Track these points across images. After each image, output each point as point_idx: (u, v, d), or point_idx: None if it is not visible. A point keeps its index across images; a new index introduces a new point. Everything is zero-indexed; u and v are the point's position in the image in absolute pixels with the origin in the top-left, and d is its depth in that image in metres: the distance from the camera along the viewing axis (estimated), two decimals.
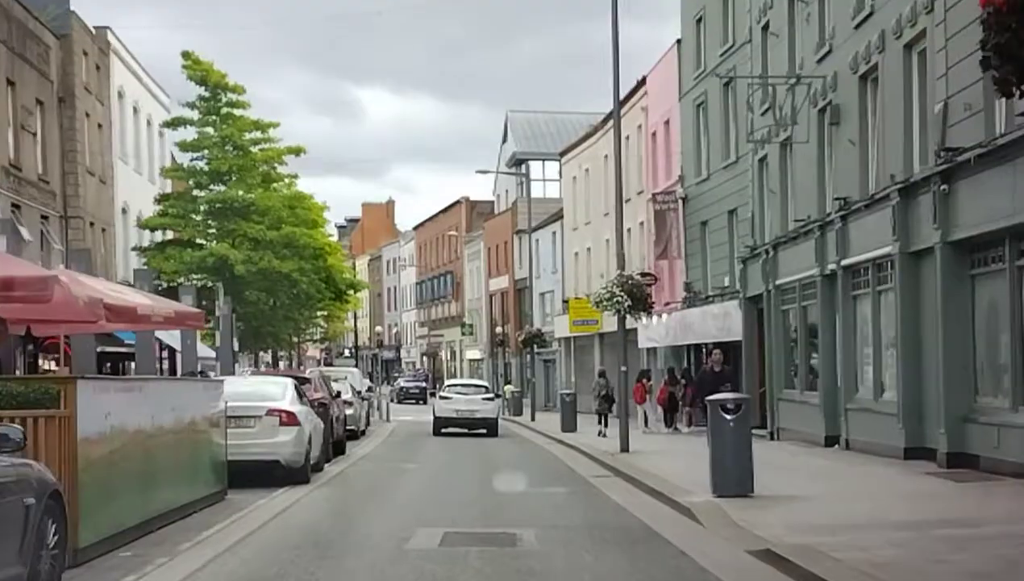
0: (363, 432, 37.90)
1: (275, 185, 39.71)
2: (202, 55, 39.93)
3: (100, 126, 43.72)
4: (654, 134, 45.50)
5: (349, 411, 34.36)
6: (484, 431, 37.11)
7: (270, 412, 19.34)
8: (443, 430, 37.29)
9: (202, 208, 39.39)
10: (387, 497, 18.45)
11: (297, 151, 39.79)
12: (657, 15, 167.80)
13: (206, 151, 39.97)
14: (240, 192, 38.52)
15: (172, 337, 42.12)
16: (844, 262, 24.30)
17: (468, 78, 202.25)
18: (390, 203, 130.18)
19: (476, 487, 19.96)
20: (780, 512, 14.64)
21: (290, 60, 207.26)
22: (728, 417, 15.98)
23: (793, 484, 17.72)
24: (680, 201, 41.04)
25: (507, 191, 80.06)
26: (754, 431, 33.61)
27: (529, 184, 74.39)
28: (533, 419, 48.11)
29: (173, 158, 44.30)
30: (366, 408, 40.97)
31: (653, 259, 44.21)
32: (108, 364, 36.32)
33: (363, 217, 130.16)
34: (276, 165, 40.07)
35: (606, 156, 53.27)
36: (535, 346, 50.33)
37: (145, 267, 37.98)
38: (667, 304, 41.78)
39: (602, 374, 40.18)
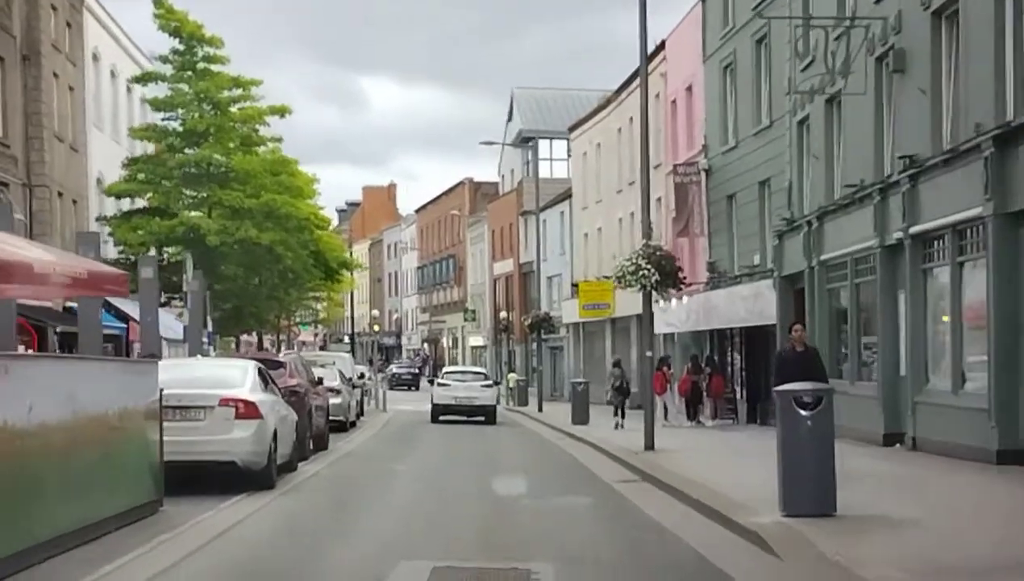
0: (353, 423, 34.20)
1: (256, 149, 35.73)
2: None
3: (71, 89, 39.88)
4: (674, 102, 41.66)
5: (336, 400, 30.74)
6: (482, 418, 36.32)
7: (224, 402, 15.58)
8: (441, 417, 36.28)
9: (174, 173, 35.38)
10: (366, 510, 14.69)
11: (282, 111, 35.71)
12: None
13: (180, 110, 35.96)
14: (217, 155, 34.59)
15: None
16: (913, 229, 20.49)
17: (473, 68, 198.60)
18: (391, 186, 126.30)
19: (476, 496, 16.20)
20: (882, 541, 10.88)
21: (294, 49, 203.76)
22: (805, 414, 12.19)
23: (880, 500, 13.91)
24: (703, 173, 37.22)
25: (512, 171, 76.22)
26: None
27: (536, 162, 70.79)
28: (540, 410, 44.39)
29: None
30: (358, 397, 37.21)
31: (672, 238, 40.41)
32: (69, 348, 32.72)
33: (364, 201, 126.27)
34: (257, 127, 36.02)
35: (619, 129, 49.47)
36: (542, 331, 46.57)
37: (110, 237, 34.23)
38: (689, 285, 37.94)
39: (617, 363, 36.54)
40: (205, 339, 30.72)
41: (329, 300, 59.02)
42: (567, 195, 59.51)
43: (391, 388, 68.55)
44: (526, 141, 72.43)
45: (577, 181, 57.58)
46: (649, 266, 22.59)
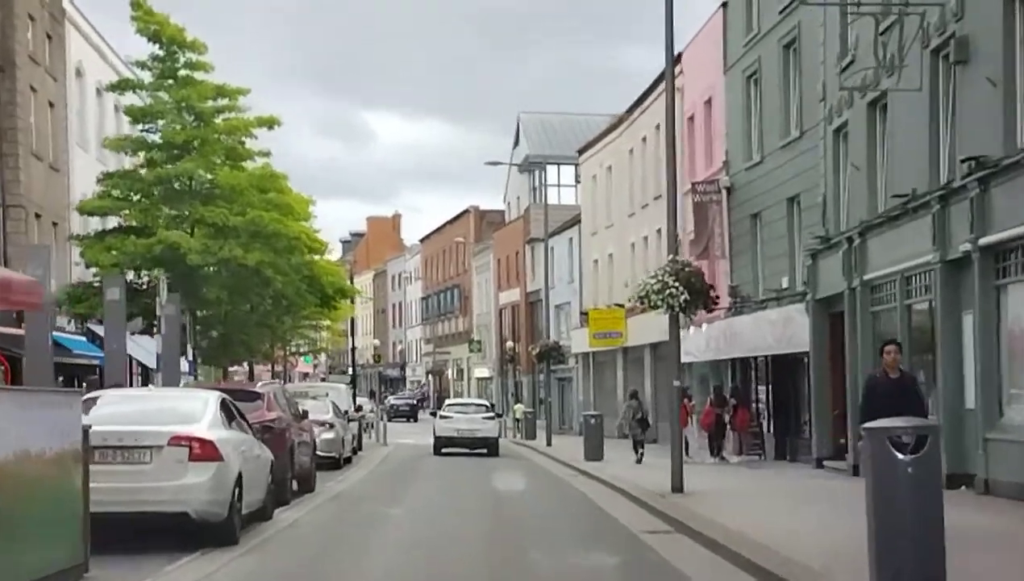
0: (348, 460, 31.46)
1: (243, 164, 32.79)
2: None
3: (51, 105, 37.33)
4: (691, 118, 38.98)
5: (328, 435, 28.08)
6: (485, 450, 36.03)
7: (175, 440, 12.79)
8: (444, 450, 35.96)
9: (153, 189, 32.47)
10: (343, 575, 11.90)
11: (271, 122, 32.71)
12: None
13: (159, 121, 33.09)
14: (200, 170, 31.64)
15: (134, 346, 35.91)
16: (984, 241, 17.73)
17: (476, 100, 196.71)
18: (396, 217, 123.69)
19: (478, 553, 13.42)
20: None
21: (299, 83, 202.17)
22: (904, 458, 9.36)
23: (995, 567, 11.08)
24: (724, 191, 34.51)
25: (518, 198, 73.63)
26: (829, 464, 27.40)
27: (544, 188, 68.23)
28: (549, 444, 41.54)
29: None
30: (356, 430, 34.41)
31: (691, 261, 37.74)
32: (61, 378, 29.95)
33: (368, 231, 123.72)
34: (244, 139, 33.07)
35: (631, 150, 46.83)
36: (551, 362, 43.77)
37: (81, 259, 31.35)
38: (715, 307, 35.21)
39: (634, 395, 33.96)
40: (185, 369, 27.99)
41: (329, 329, 55.90)
42: (575, 221, 56.84)
43: (390, 419, 66.12)
44: (533, 167, 69.88)
45: (586, 206, 54.93)
46: (677, 283, 19.84)
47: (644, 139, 44.70)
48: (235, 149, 31.55)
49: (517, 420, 53.73)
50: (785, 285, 29.90)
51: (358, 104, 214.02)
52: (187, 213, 31.10)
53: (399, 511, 18.30)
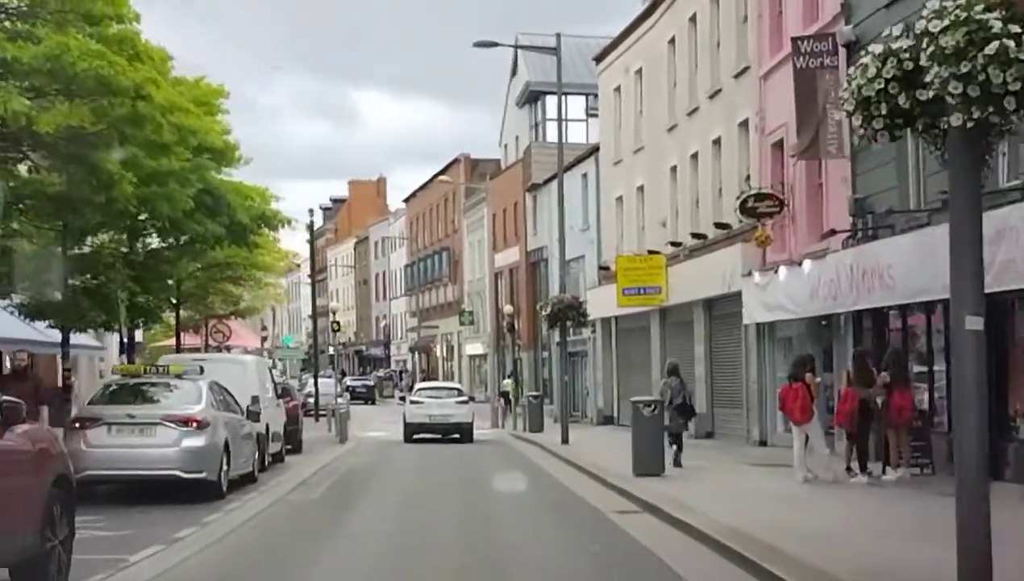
0: (255, 477, 18.88)
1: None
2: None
3: None
4: None
5: (193, 442, 15.53)
6: (457, 436, 33.35)
7: None
8: (415, 436, 33.26)
9: None
10: None
11: None
12: None
13: None
14: None
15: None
16: None
17: (467, 79, 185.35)
18: (381, 181, 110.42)
19: None
20: None
21: (287, 63, 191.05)
22: None
23: None
24: (843, 51, 21.83)
25: (517, 138, 60.82)
26: None
27: (545, 124, 55.69)
28: (566, 441, 28.95)
29: None
30: (264, 431, 21.64)
31: (790, 162, 25.29)
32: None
33: (350, 197, 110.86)
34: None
35: (672, 39, 34.10)
36: (567, 326, 31.02)
37: None
38: (826, 235, 22.59)
39: (673, 370, 22.54)
40: None
41: (271, 289, 42.07)
42: (592, 151, 44.06)
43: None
44: (535, 99, 57.08)
45: (606, 129, 42.11)
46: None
47: (693, 17, 31.99)
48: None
49: (508, 401, 41.31)
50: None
51: (346, 83, 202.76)
52: None
53: None
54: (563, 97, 55.97)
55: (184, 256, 26.63)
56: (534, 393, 38.94)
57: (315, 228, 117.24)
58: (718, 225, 29.28)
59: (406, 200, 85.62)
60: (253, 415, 18.92)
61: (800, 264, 23.05)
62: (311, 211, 47.91)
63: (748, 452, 25.07)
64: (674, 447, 21.11)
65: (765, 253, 25.77)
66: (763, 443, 26.49)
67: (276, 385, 24.37)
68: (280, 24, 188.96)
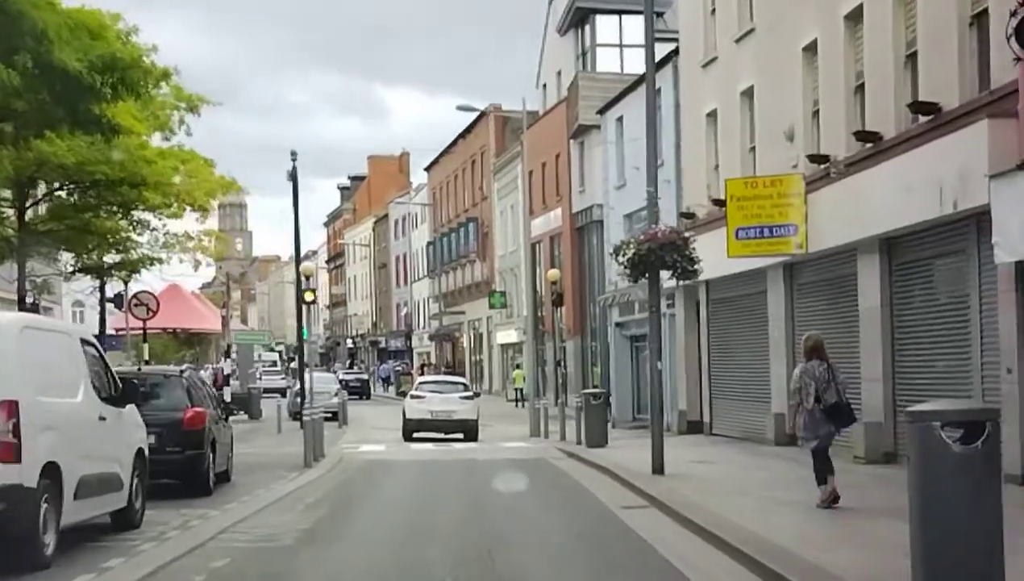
0: None
1: None
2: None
3: None
4: None
5: None
6: (461, 434, 30.32)
7: None
8: (415, 434, 30.41)
9: None
10: None
11: None
12: None
13: None
14: None
15: None
16: None
17: (493, 77, 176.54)
18: (404, 156, 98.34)
19: None
20: None
21: (316, 63, 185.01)
22: None
23: None
24: None
25: (559, 74, 48.60)
26: None
27: (594, 51, 43.84)
28: (660, 470, 16.88)
29: None
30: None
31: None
32: None
33: (370, 173, 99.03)
34: None
35: None
36: (670, 278, 18.52)
37: None
38: None
39: (815, 348, 13.74)
40: None
41: (211, 237, 29.05)
42: (670, 56, 31.75)
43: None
44: (581, 20, 44.88)
45: (691, 18, 29.72)
46: None
47: None
48: None
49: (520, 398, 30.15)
50: None
51: (374, 81, 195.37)
52: None
53: None
54: (619, 17, 44.16)
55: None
56: (595, 390, 26.85)
57: (332, 210, 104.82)
58: (919, 106, 17.04)
59: (428, 168, 73.68)
60: None
61: None
62: (294, 154, 35.54)
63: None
64: (827, 472, 13.22)
65: None
66: None
67: (112, 377, 12.14)
68: (307, 23, 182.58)
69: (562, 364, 37.59)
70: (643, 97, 34.11)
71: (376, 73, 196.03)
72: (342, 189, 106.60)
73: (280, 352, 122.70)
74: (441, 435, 30.22)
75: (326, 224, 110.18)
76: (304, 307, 26.22)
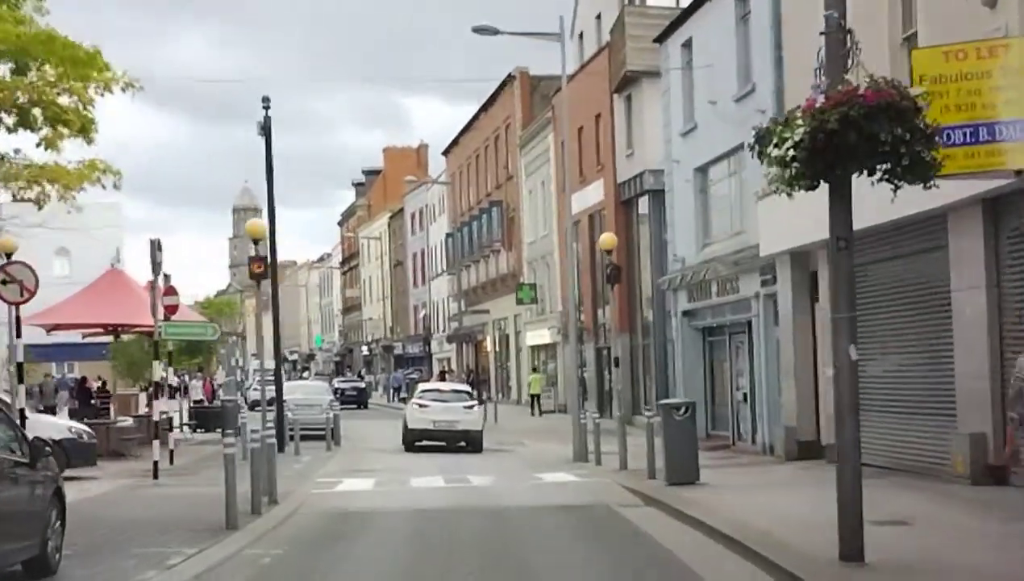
0: None
1: None
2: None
3: None
4: None
5: None
6: (464, 444, 28.74)
7: None
8: (417, 443, 29.02)
9: None
10: None
11: None
12: None
13: None
14: None
15: None
16: None
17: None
18: (422, 147, 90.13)
19: None
20: None
21: (341, 76, 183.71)
22: None
23: None
24: None
25: (599, 18, 40.11)
26: None
27: None
28: (857, 553, 8.44)
29: None
30: None
31: None
32: None
33: (386, 167, 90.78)
34: None
35: None
36: (891, 181, 10.05)
37: None
38: None
39: None
40: None
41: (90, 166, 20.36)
42: None
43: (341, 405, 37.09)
44: None
45: None
46: None
47: None
48: None
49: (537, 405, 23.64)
50: None
51: (397, 91, 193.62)
52: None
53: None
54: None
55: None
56: (680, 401, 18.40)
57: (347, 206, 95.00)
58: None
59: (446, 152, 65.32)
60: None
61: None
62: (266, 99, 27.45)
63: None
64: None
65: None
66: None
67: None
68: (330, 36, 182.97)
69: (618, 363, 29.57)
70: (719, 8, 25.62)
71: (398, 83, 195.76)
72: (356, 185, 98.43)
73: (295, 361, 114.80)
74: (443, 445, 28.49)
75: (340, 223, 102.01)
76: (256, 282, 17.68)
